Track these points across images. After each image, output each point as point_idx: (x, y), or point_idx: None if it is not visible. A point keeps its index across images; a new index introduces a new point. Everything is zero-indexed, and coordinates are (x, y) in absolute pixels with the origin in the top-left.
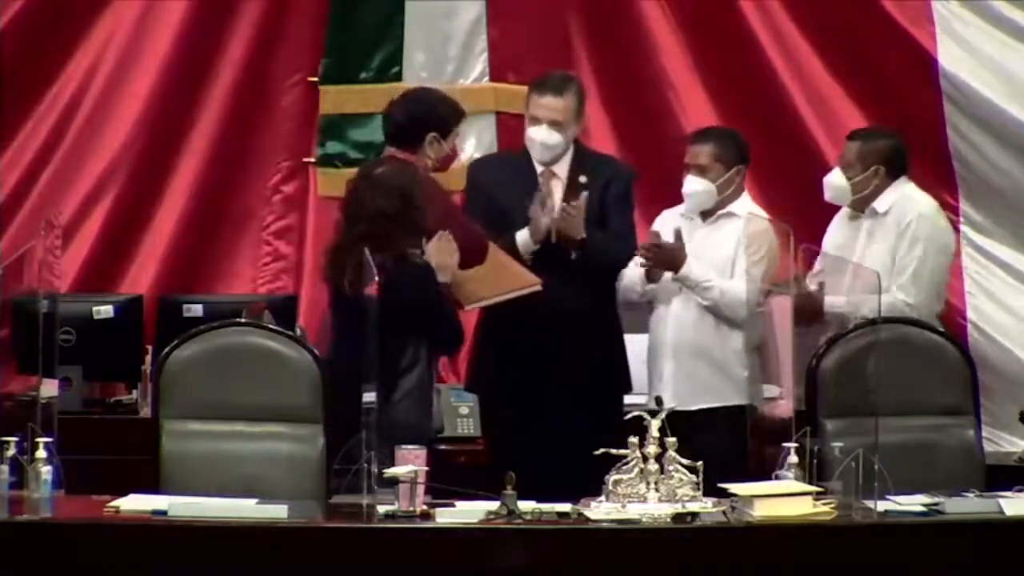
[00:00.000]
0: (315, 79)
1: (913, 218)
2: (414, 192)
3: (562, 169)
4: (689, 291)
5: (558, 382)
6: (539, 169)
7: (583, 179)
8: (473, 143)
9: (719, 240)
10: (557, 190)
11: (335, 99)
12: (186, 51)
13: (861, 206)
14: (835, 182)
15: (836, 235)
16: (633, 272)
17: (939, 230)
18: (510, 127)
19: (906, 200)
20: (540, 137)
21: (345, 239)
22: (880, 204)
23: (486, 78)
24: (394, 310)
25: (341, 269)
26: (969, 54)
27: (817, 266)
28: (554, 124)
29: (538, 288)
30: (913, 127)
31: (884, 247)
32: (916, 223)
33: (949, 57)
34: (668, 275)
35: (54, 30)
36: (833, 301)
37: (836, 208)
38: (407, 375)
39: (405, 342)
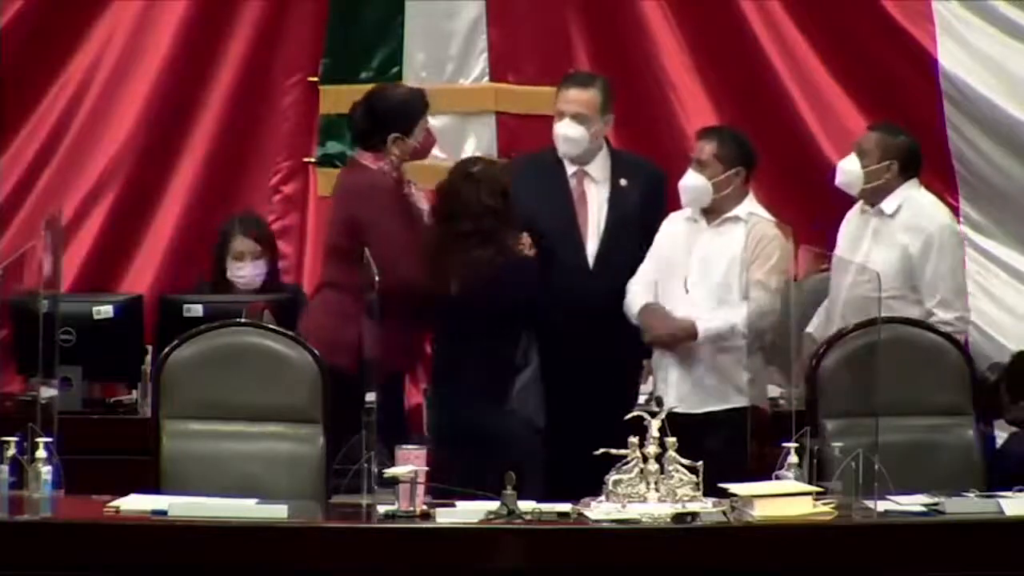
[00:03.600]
0: (315, 79)
1: (935, 230)
2: (509, 189)
3: (597, 170)
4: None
5: (583, 383)
6: (570, 170)
7: (624, 182)
8: (473, 143)
9: (723, 244)
10: (591, 191)
11: (335, 99)
12: (186, 51)
13: (869, 197)
14: (848, 167)
15: (849, 228)
16: (635, 296)
17: (958, 237)
18: (510, 127)
19: (916, 205)
20: (563, 131)
21: (446, 238)
22: (888, 204)
23: (486, 78)
24: (508, 306)
25: (445, 270)
26: (969, 54)
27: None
28: (577, 117)
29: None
30: (913, 127)
31: (890, 250)
32: (939, 234)
33: (949, 57)
34: (672, 274)
35: (54, 30)
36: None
37: (838, 207)
38: (523, 371)
39: (519, 338)
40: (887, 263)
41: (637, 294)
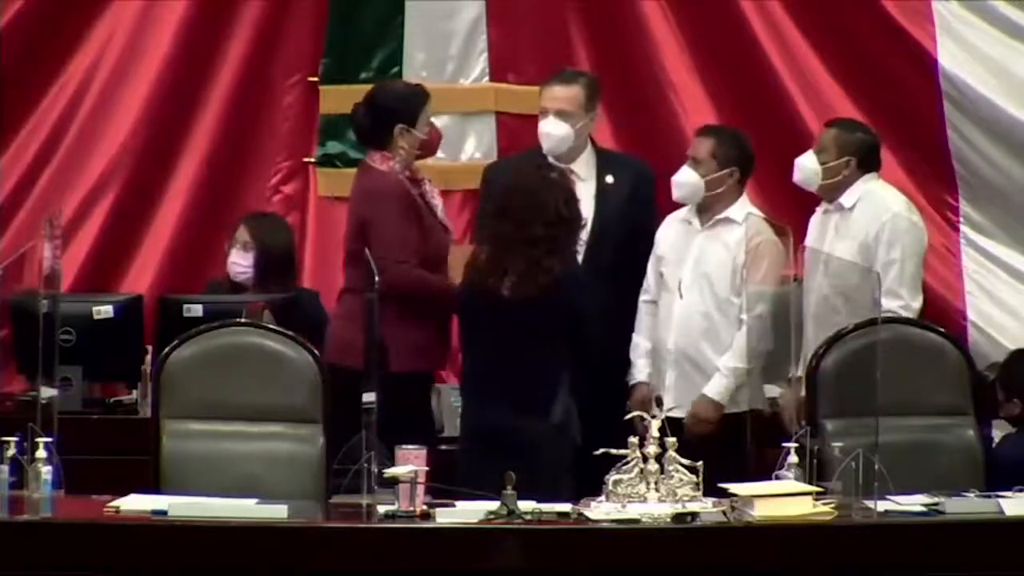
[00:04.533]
0: (315, 79)
1: (888, 219)
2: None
3: (582, 168)
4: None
5: (576, 383)
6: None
7: (610, 179)
8: (473, 143)
9: (716, 247)
10: (577, 189)
11: (335, 99)
12: (186, 51)
13: (828, 194)
14: (806, 164)
15: (812, 230)
16: (641, 326)
17: (913, 226)
18: (510, 127)
19: (874, 197)
20: (547, 128)
21: (510, 239)
22: (846, 199)
23: (486, 78)
24: (569, 316)
25: (502, 271)
26: (969, 54)
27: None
28: (560, 114)
29: None
30: (913, 127)
31: (850, 244)
32: (891, 223)
33: (949, 57)
34: (667, 277)
35: (54, 30)
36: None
37: None
38: (565, 381)
39: (566, 348)
40: (848, 256)
41: (642, 316)
